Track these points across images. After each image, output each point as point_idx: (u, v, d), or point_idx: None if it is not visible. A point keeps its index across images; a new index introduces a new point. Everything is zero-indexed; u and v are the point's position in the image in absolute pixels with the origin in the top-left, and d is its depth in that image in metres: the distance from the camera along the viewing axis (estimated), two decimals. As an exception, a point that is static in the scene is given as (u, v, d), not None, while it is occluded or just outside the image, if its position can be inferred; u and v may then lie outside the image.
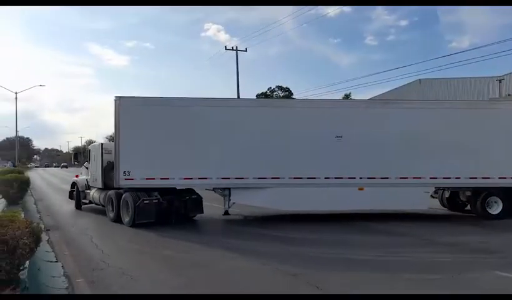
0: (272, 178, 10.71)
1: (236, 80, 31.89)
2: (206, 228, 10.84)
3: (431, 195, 12.15)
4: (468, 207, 12.43)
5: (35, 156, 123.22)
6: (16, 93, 43.44)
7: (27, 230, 4.78)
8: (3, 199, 14.42)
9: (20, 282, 4.66)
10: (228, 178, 10.64)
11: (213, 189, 11.13)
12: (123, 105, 10.52)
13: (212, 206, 12.10)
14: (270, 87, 43.00)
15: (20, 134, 62.39)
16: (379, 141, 11.09)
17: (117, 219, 10.79)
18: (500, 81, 24.37)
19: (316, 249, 7.91)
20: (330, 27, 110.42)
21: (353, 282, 5.69)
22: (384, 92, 31.90)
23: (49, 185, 29.28)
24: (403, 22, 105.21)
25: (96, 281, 5.71)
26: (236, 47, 32.21)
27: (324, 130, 11.02)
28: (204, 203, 11.54)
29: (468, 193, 11.93)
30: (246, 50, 32.70)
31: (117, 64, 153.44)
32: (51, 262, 6.76)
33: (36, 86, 59.45)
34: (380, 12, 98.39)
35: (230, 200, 10.91)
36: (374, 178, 11.00)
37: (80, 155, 24.45)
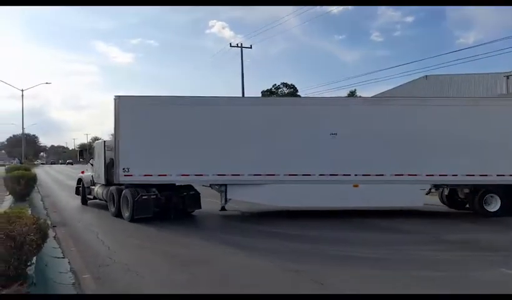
0: (267, 175, 11.13)
1: (241, 77, 32.35)
2: (206, 224, 11.27)
3: (431, 192, 12.28)
4: (468, 205, 12.52)
5: (41, 153, 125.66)
6: (22, 90, 44.06)
7: (34, 226, 4.88)
8: (10, 196, 14.86)
9: (28, 277, 4.73)
10: (224, 175, 11.12)
11: (210, 185, 11.62)
12: (122, 104, 11.10)
13: (210, 202, 12.57)
14: (275, 84, 43.45)
15: (26, 131, 63.78)
16: (374, 138, 11.32)
17: (118, 214, 11.40)
18: (508, 77, 24.27)
19: (318, 245, 8.06)
20: (335, 23, 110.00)
21: (358, 280, 5.74)
22: (389, 88, 31.98)
23: (55, 181, 30.11)
24: (409, 18, 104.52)
25: (102, 277, 5.89)
26: (241, 44, 32.71)
27: (319, 128, 11.34)
28: (203, 198, 12.02)
29: (466, 190, 11.98)
30: (251, 47, 33.09)
31: (122, 61, 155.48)
32: (58, 258, 6.93)
33: (42, 84, 60.43)
34: (386, 8, 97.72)
35: (226, 196, 11.39)
36: (369, 175, 11.26)
37: (85, 152, 25.22)
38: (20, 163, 41.61)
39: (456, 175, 11.38)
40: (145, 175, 10.97)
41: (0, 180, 17.74)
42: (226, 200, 11.50)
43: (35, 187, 17.90)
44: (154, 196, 10.85)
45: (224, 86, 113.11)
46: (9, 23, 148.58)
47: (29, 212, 7.44)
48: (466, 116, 11.49)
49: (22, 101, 42.99)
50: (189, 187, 11.77)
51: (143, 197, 10.68)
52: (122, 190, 11.25)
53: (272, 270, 6.26)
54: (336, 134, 11.29)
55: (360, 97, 34.65)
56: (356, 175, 11.26)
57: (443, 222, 11.33)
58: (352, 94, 37.12)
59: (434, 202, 13.21)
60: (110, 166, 12.30)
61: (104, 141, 13.37)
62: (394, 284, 5.57)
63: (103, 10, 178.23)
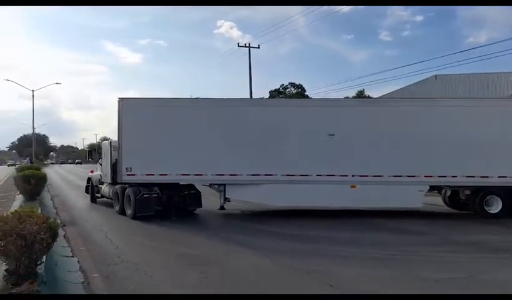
0: (265, 175, 11.65)
1: (249, 77, 32.83)
2: (208, 223, 11.64)
3: (430, 193, 12.40)
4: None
5: (51, 153, 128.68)
6: (33, 91, 45.03)
7: (44, 225, 4.97)
8: (21, 195, 15.28)
9: (38, 276, 4.81)
10: (223, 174, 11.71)
11: (210, 185, 12.24)
12: (125, 106, 11.86)
13: (211, 201, 13.11)
14: (283, 84, 43.96)
15: (37, 131, 65.01)
16: (372, 139, 11.63)
17: (122, 212, 12.16)
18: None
19: (329, 246, 8.19)
20: (343, 23, 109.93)
21: (369, 281, 5.82)
22: (398, 88, 32.08)
23: (64, 181, 31.06)
24: (419, 18, 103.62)
25: (111, 276, 6.06)
26: (249, 43, 33.16)
27: (317, 129, 11.74)
28: (206, 197, 12.62)
29: (468, 192, 12.02)
30: (258, 47, 33.39)
31: (131, 61, 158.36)
32: (67, 257, 7.15)
33: (52, 84, 62.04)
34: (394, 7, 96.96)
35: (225, 195, 11.97)
36: (366, 176, 11.55)
37: (94, 152, 26.15)
38: (31, 162, 42.86)
39: (456, 176, 11.53)
40: (147, 174, 11.68)
41: (11, 180, 18.54)
42: (225, 200, 12.08)
43: (45, 187, 18.19)
44: (156, 195, 11.54)
45: (232, 86, 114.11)
46: (18, 23, 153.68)
47: (39, 211, 7.65)
48: (466, 117, 11.63)
49: (33, 101, 44.31)
50: (190, 187, 12.41)
51: (145, 195, 11.37)
52: (126, 189, 11.97)
53: (283, 271, 6.42)
54: (333, 135, 11.68)
55: (359, 98, 34.87)
56: (353, 176, 11.58)
57: (447, 223, 11.44)
58: (360, 93, 37.31)
59: (437, 202, 13.38)
60: (116, 166, 12.92)
61: (111, 141, 14.07)
62: (402, 285, 5.65)
63: (113, 11, 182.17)
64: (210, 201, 13.07)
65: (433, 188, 12.63)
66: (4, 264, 4.84)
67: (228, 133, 11.83)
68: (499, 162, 11.43)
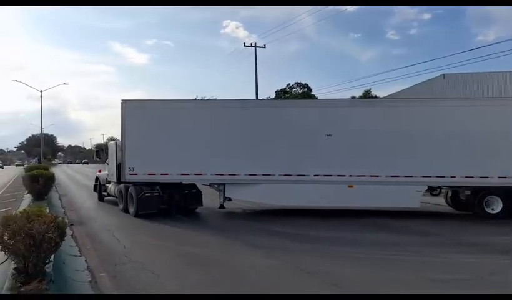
0: (263, 175, 12.14)
1: (255, 76, 33.24)
2: (210, 223, 11.94)
3: (433, 193, 12.54)
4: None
5: (59, 153, 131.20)
6: (41, 91, 45.86)
7: (52, 224, 5.07)
8: (29, 195, 15.64)
9: (46, 275, 4.92)
10: (222, 174, 12.24)
11: (209, 184, 12.83)
12: (127, 108, 12.52)
13: (212, 199, 13.60)
14: (289, 84, 44.25)
15: (45, 131, 66.64)
16: (369, 139, 11.94)
17: (126, 210, 12.82)
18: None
19: (329, 246, 8.32)
20: (350, 22, 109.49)
21: (374, 282, 5.89)
22: (405, 87, 32.20)
23: (72, 180, 31.85)
24: (426, 16, 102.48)
25: (118, 275, 6.20)
26: (255, 43, 33.50)
27: (314, 129, 12.15)
28: (207, 196, 13.13)
29: (468, 192, 12.12)
30: (264, 47, 33.64)
31: (138, 62, 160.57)
32: (75, 256, 7.33)
33: (60, 85, 63.43)
34: (401, 6, 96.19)
35: (224, 195, 12.50)
36: (363, 176, 11.87)
37: (102, 152, 26.92)
38: (39, 162, 43.96)
39: (454, 176, 11.69)
40: (149, 174, 12.31)
41: (20, 180, 19.18)
42: (224, 199, 12.62)
43: (53, 186, 18.53)
44: (157, 194, 12.17)
45: (238, 86, 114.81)
46: (25, 24, 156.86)
47: (47, 210, 7.84)
48: (465, 117, 11.80)
49: (41, 102, 45.27)
50: (191, 186, 12.98)
51: (146, 194, 12.02)
52: (129, 188, 12.63)
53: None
54: (331, 135, 12.06)
55: (365, 97, 35.01)
56: (350, 175, 11.92)
57: (451, 223, 11.56)
58: (367, 93, 37.48)
59: (439, 202, 13.60)
60: (121, 165, 13.50)
61: (116, 142, 14.69)
62: (407, 285, 5.73)
63: (120, 12, 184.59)
64: (211, 200, 13.57)
65: (432, 188, 12.86)
66: (13, 262, 5.03)
67: (227, 133, 12.35)
68: (499, 162, 11.52)
